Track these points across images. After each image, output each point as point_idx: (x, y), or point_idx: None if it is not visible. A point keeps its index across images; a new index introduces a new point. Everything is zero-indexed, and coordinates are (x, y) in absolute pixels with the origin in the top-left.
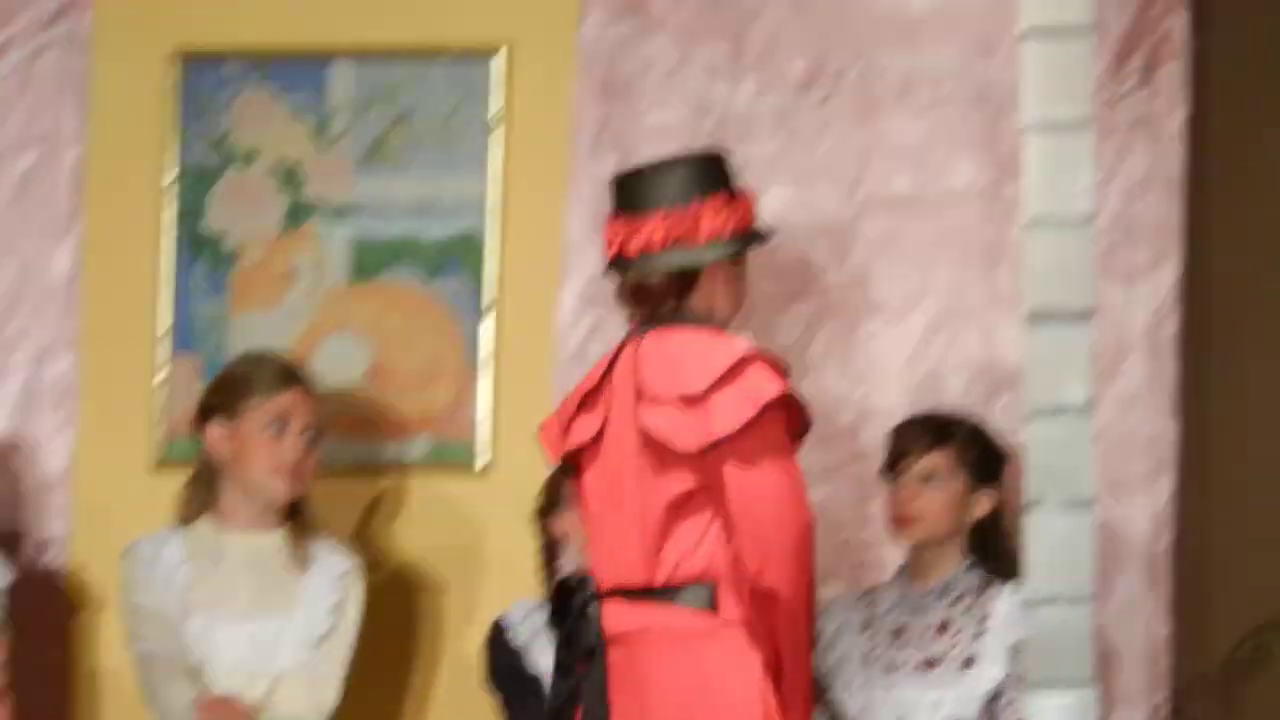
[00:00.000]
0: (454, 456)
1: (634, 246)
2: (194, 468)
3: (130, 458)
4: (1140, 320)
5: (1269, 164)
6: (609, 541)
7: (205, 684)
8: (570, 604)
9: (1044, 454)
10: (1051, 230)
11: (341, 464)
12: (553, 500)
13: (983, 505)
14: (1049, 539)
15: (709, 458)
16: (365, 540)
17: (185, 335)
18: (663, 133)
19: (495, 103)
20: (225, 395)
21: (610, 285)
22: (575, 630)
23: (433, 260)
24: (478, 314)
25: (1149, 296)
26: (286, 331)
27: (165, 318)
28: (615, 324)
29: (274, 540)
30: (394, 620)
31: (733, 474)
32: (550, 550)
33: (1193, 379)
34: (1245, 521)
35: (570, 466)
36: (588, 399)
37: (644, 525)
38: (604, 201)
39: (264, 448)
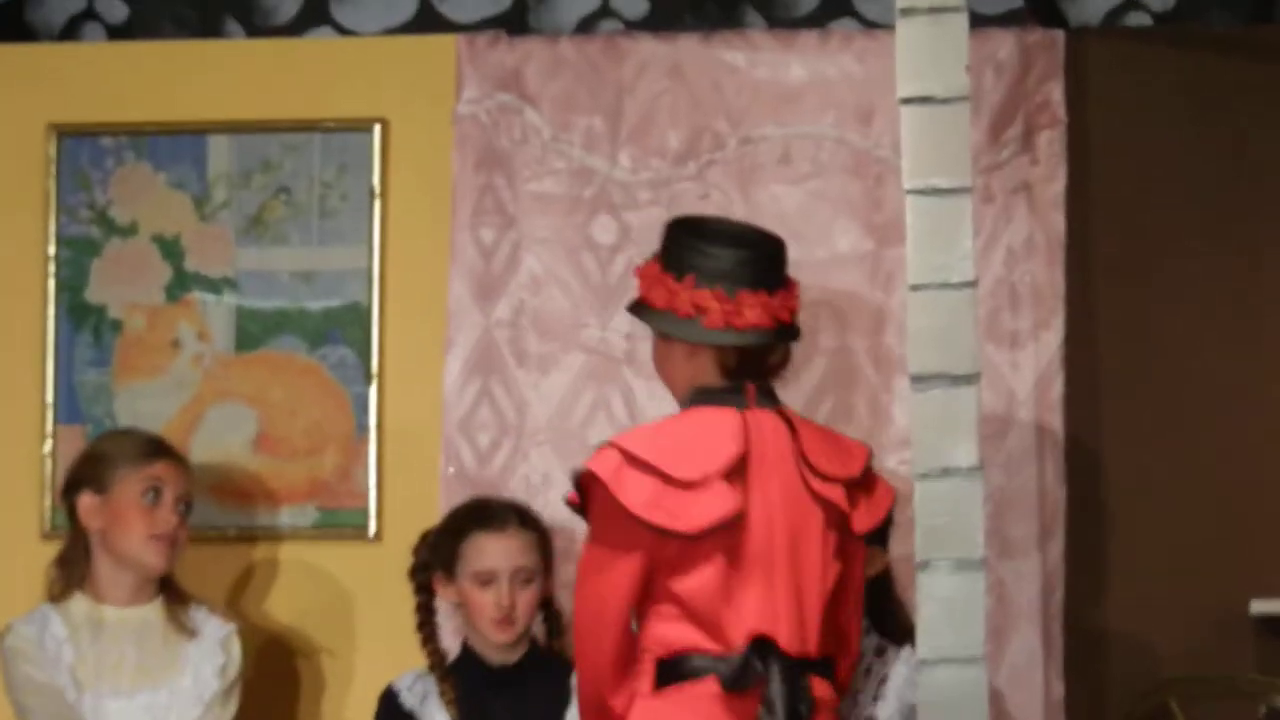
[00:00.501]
0: (342, 523)
1: (789, 318)
2: (64, 544)
3: (19, 527)
4: (1027, 383)
5: (1149, 227)
6: (756, 609)
7: None
8: (757, 669)
9: (933, 515)
10: (934, 295)
11: (229, 531)
12: (429, 560)
13: (875, 565)
14: (940, 599)
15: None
16: (247, 607)
17: (71, 405)
18: (542, 201)
19: (375, 174)
20: (95, 467)
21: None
22: (785, 697)
23: (317, 330)
24: (364, 382)
25: (1034, 360)
26: (171, 401)
27: (50, 388)
28: (501, 390)
29: (151, 611)
30: (280, 686)
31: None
32: (429, 609)
33: (1082, 440)
34: (1139, 581)
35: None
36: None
37: (813, 597)
38: (486, 269)
39: (139, 517)
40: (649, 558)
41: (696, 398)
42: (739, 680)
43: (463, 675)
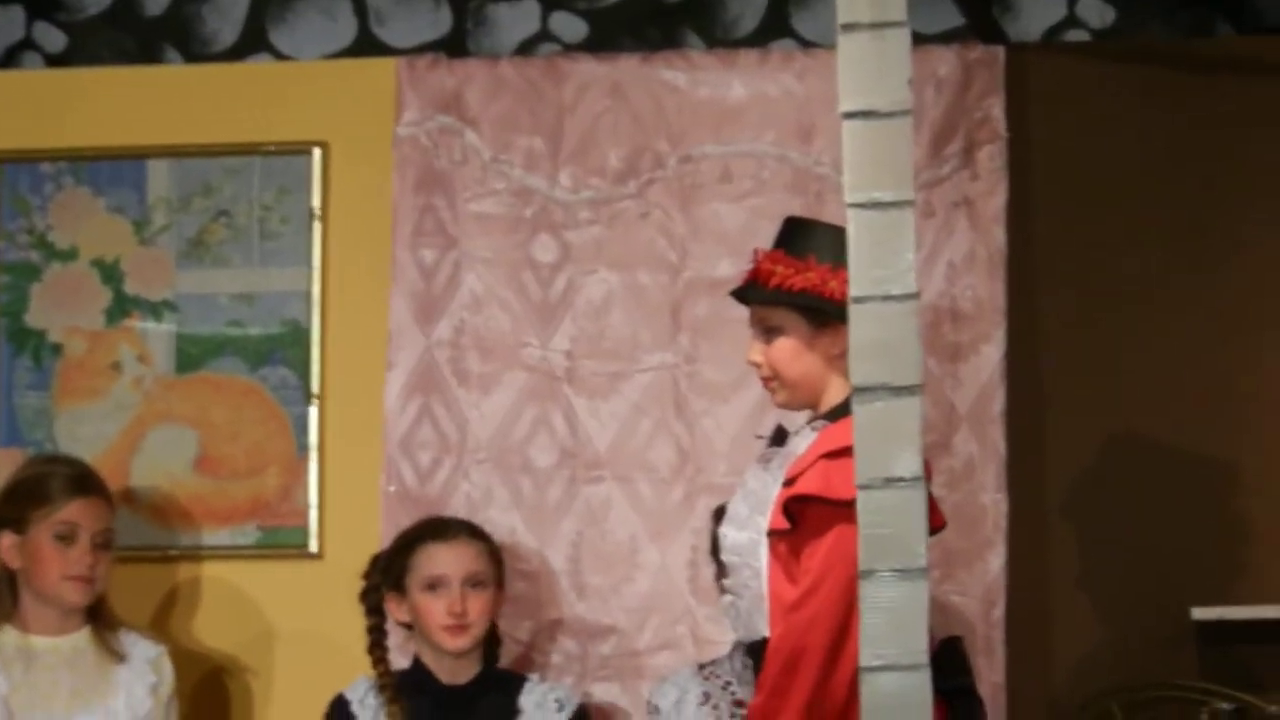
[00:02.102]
0: (283, 542)
1: None
2: None
3: None
4: (968, 397)
5: (1090, 240)
6: None
7: None
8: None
9: (876, 524)
10: (876, 307)
11: (171, 551)
12: (379, 581)
13: None
14: (883, 608)
15: None
16: (190, 627)
17: (11, 429)
18: (483, 221)
19: (315, 197)
20: (14, 507)
21: (431, 369)
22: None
23: (258, 351)
24: (304, 403)
25: (976, 373)
26: (112, 424)
27: None
28: (442, 409)
29: (81, 639)
30: (223, 705)
31: None
32: (381, 630)
33: (1023, 453)
34: (1081, 590)
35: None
36: None
37: None
38: (426, 289)
39: (53, 559)
40: None
41: None
42: None
43: (412, 694)
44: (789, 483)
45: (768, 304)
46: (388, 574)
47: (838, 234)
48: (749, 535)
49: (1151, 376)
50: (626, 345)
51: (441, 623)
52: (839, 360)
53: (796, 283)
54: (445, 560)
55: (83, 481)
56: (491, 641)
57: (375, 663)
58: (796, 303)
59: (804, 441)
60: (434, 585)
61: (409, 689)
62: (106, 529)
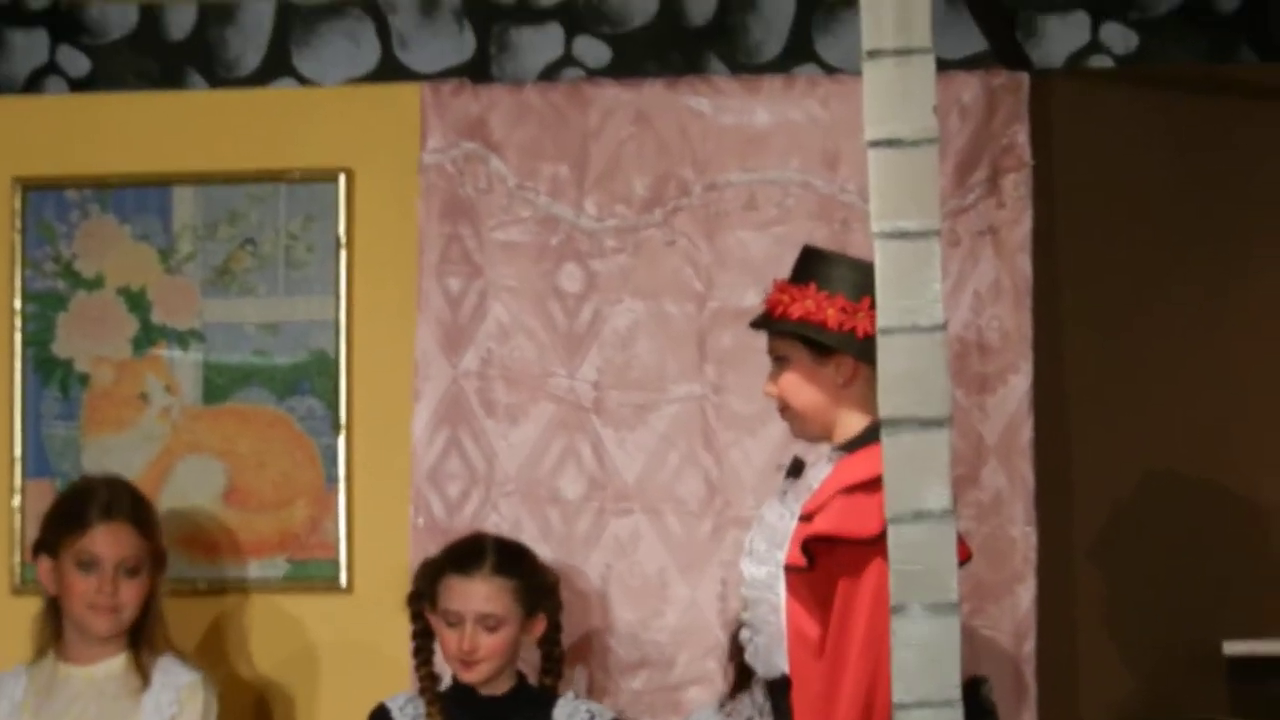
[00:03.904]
0: (313, 575)
1: None
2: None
3: None
4: (996, 428)
5: (1116, 268)
6: None
7: None
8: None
9: (907, 559)
10: (904, 339)
11: (199, 584)
12: (422, 589)
13: None
14: (915, 644)
15: None
16: (219, 660)
17: (39, 459)
18: (509, 250)
19: (341, 224)
20: (48, 531)
21: (459, 399)
22: None
23: (285, 381)
24: (332, 433)
25: (1003, 404)
26: (140, 454)
27: (18, 442)
28: (470, 440)
29: (115, 665)
30: None
31: None
32: (425, 635)
33: (1052, 483)
34: (1111, 624)
35: None
36: None
37: None
38: (453, 318)
39: (76, 586)
40: None
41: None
42: None
43: (451, 703)
44: (805, 518)
45: (771, 333)
46: (426, 585)
47: (840, 262)
48: (767, 570)
49: (1180, 406)
50: (653, 376)
51: (454, 655)
52: (845, 390)
53: (794, 311)
54: (459, 597)
55: (109, 508)
56: (549, 656)
57: (417, 666)
58: (794, 331)
59: (820, 474)
60: (449, 620)
61: (448, 695)
62: (134, 556)
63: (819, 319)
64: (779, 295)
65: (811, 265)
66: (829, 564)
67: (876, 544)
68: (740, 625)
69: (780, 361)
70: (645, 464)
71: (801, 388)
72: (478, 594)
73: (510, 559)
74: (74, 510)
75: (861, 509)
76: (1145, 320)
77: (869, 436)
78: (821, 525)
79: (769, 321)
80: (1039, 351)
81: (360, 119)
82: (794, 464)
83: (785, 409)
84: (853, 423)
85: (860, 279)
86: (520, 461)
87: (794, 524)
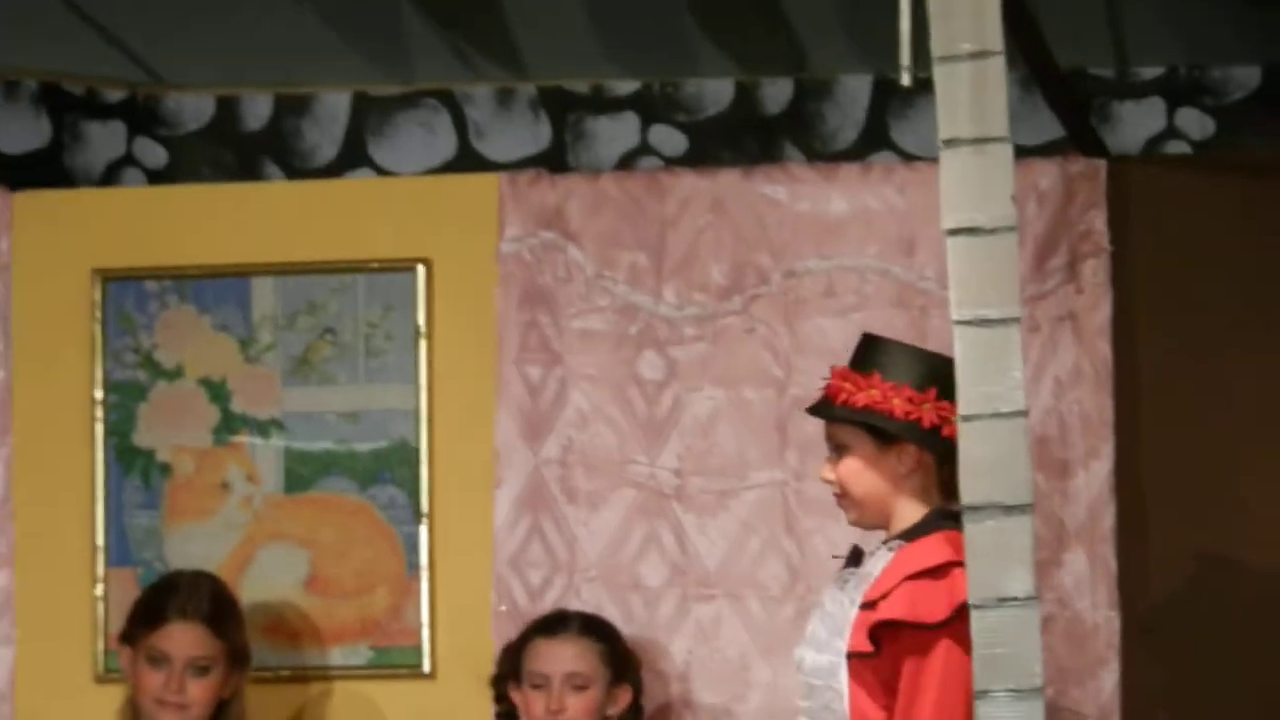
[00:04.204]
0: (396, 662)
1: None
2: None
3: (73, 670)
4: (1079, 513)
5: (1196, 352)
6: None
7: None
8: None
9: (991, 644)
10: (986, 425)
11: (282, 672)
12: (505, 670)
13: None
14: None
15: None
16: None
17: (122, 548)
18: (588, 338)
19: (420, 314)
20: (130, 623)
21: (540, 487)
22: None
23: (366, 470)
24: (414, 521)
25: (1085, 489)
26: (222, 543)
27: (100, 531)
28: (551, 527)
29: None
30: None
31: None
32: (509, 716)
33: (1134, 568)
34: (1197, 709)
35: None
36: None
37: None
38: (533, 406)
39: (146, 680)
40: None
41: (946, 520)
42: None
43: None
44: (868, 605)
45: (833, 420)
46: (509, 663)
47: (904, 351)
48: (829, 658)
49: (1261, 489)
50: (734, 462)
51: (541, 718)
52: (906, 480)
53: (859, 400)
54: (547, 658)
55: (184, 606)
56: None
57: None
58: (858, 420)
59: (879, 562)
60: (536, 683)
61: None
62: (205, 655)
63: (885, 408)
64: (840, 383)
65: (874, 353)
66: (894, 649)
67: (943, 628)
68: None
69: (841, 449)
70: (727, 550)
71: (862, 475)
72: (565, 654)
73: (597, 624)
74: (153, 605)
75: (928, 595)
76: (1224, 405)
77: (929, 526)
78: (890, 611)
79: (831, 409)
80: (1120, 436)
81: (438, 209)
82: (853, 553)
83: (844, 495)
84: (910, 512)
85: (925, 369)
86: (601, 548)
87: (854, 612)
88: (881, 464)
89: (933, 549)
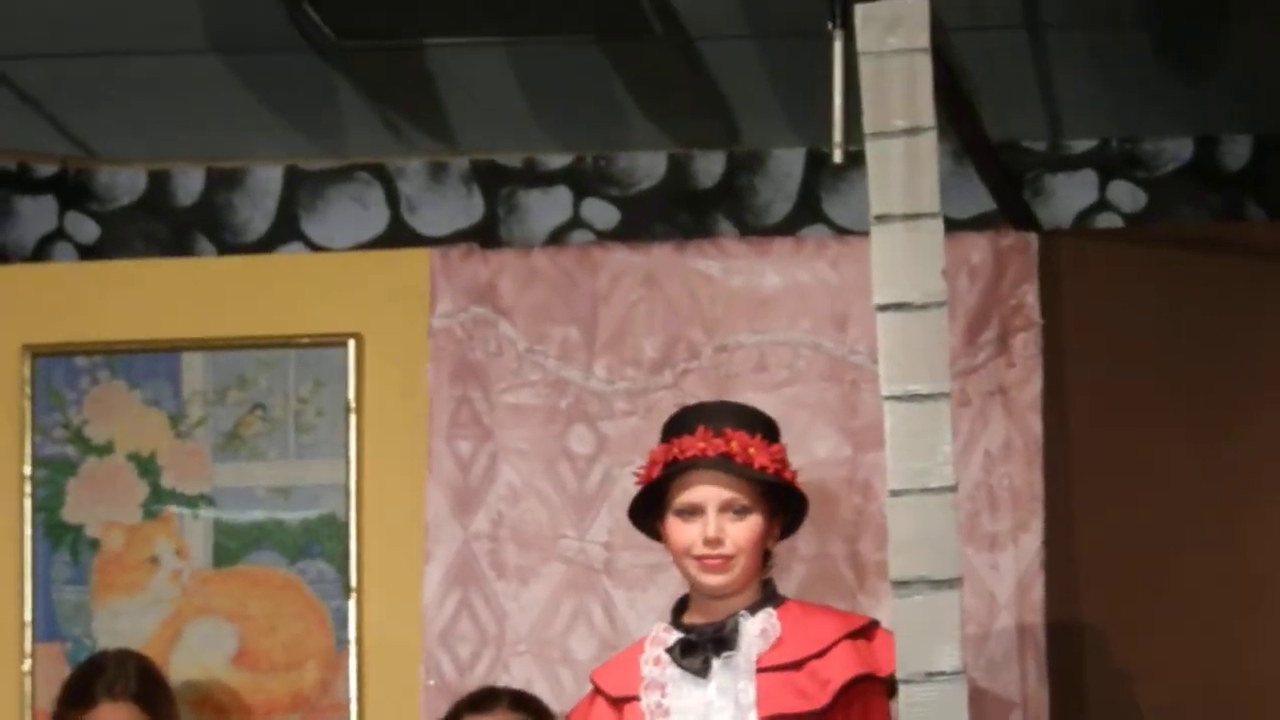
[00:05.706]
0: None
1: None
2: None
3: None
4: (1008, 586)
5: (1126, 425)
6: None
7: None
8: None
9: (920, 718)
10: (915, 500)
11: None
12: None
13: None
14: None
15: None
16: None
17: (50, 624)
18: (519, 413)
19: (350, 389)
20: (60, 706)
21: (470, 561)
22: None
23: (295, 544)
24: (343, 596)
25: (1014, 562)
26: (151, 618)
27: (28, 607)
28: (480, 602)
29: None
30: None
31: None
32: None
33: (1064, 642)
34: None
35: None
36: None
37: None
38: (463, 481)
39: None
40: None
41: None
42: None
43: None
44: (789, 666)
45: (737, 481)
46: None
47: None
48: None
49: (1193, 561)
50: None
51: None
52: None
53: (761, 461)
54: None
55: (112, 687)
56: None
57: None
58: (770, 480)
59: (753, 628)
60: None
61: None
62: None
63: (789, 474)
64: (744, 446)
65: (738, 417)
66: (844, 702)
67: (890, 680)
68: None
69: (742, 511)
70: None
71: (757, 540)
72: None
73: (526, 699)
74: (81, 686)
75: (871, 650)
76: (1155, 479)
77: (774, 588)
78: (853, 668)
79: (748, 470)
80: (1050, 509)
81: (369, 284)
82: (684, 644)
83: (733, 558)
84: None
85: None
86: (531, 622)
87: (753, 685)
88: (769, 529)
89: (819, 610)
